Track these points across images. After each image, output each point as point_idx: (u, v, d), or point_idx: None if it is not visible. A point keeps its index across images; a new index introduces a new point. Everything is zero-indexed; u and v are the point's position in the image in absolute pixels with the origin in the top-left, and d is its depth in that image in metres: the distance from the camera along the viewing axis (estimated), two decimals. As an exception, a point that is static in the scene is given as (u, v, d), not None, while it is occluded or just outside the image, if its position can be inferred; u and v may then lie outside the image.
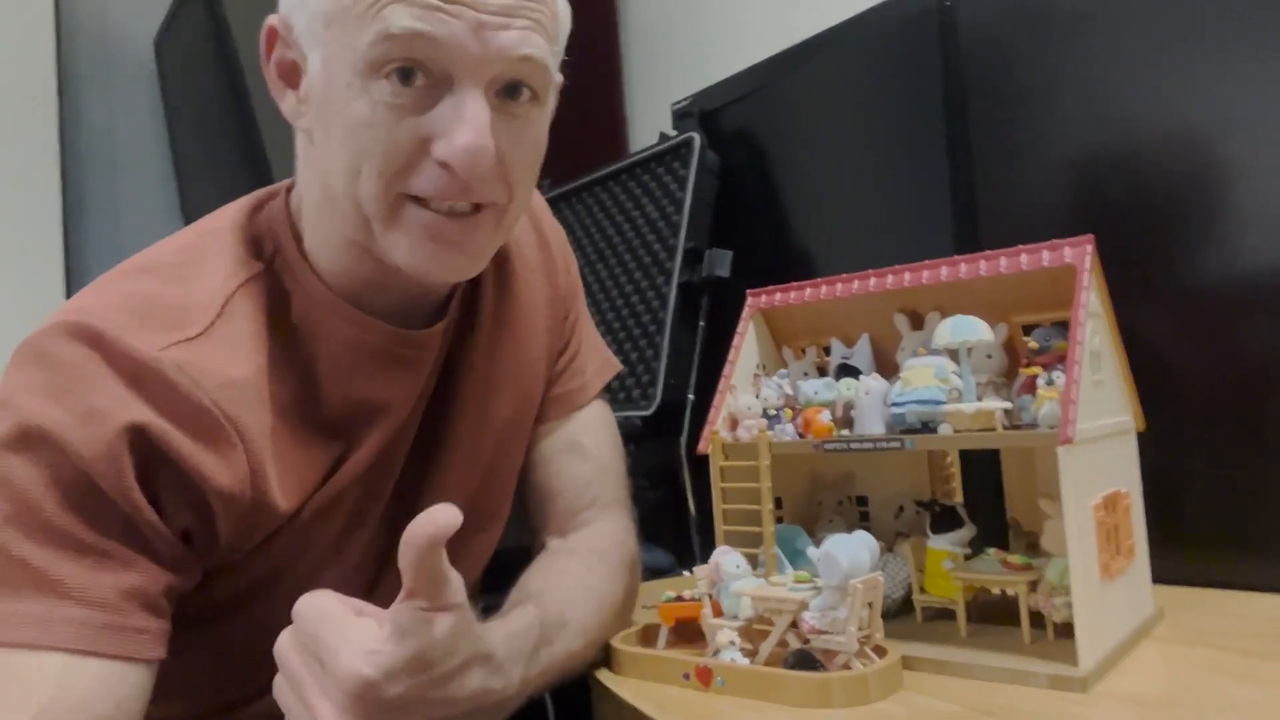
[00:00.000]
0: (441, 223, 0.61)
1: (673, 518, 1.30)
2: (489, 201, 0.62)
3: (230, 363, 0.61)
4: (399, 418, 0.70)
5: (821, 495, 0.86)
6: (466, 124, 0.57)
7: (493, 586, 0.78)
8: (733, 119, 1.34)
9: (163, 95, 2.28)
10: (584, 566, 0.74)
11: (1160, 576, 0.73)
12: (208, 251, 0.66)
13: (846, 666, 0.61)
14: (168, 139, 2.26)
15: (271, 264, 0.67)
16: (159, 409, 0.57)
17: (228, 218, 0.69)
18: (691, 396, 1.27)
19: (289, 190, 0.71)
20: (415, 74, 0.57)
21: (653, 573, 1.16)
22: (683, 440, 1.28)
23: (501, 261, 0.77)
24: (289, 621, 0.70)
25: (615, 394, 1.33)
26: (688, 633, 0.72)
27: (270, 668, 0.72)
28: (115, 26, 2.22)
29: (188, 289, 0.63)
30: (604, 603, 0.72)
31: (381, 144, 0.58)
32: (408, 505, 0.73)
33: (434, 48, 0.57)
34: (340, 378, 0.67)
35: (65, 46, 2.07)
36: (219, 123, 1.83)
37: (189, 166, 2.20)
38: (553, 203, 1.58)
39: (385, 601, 0.74)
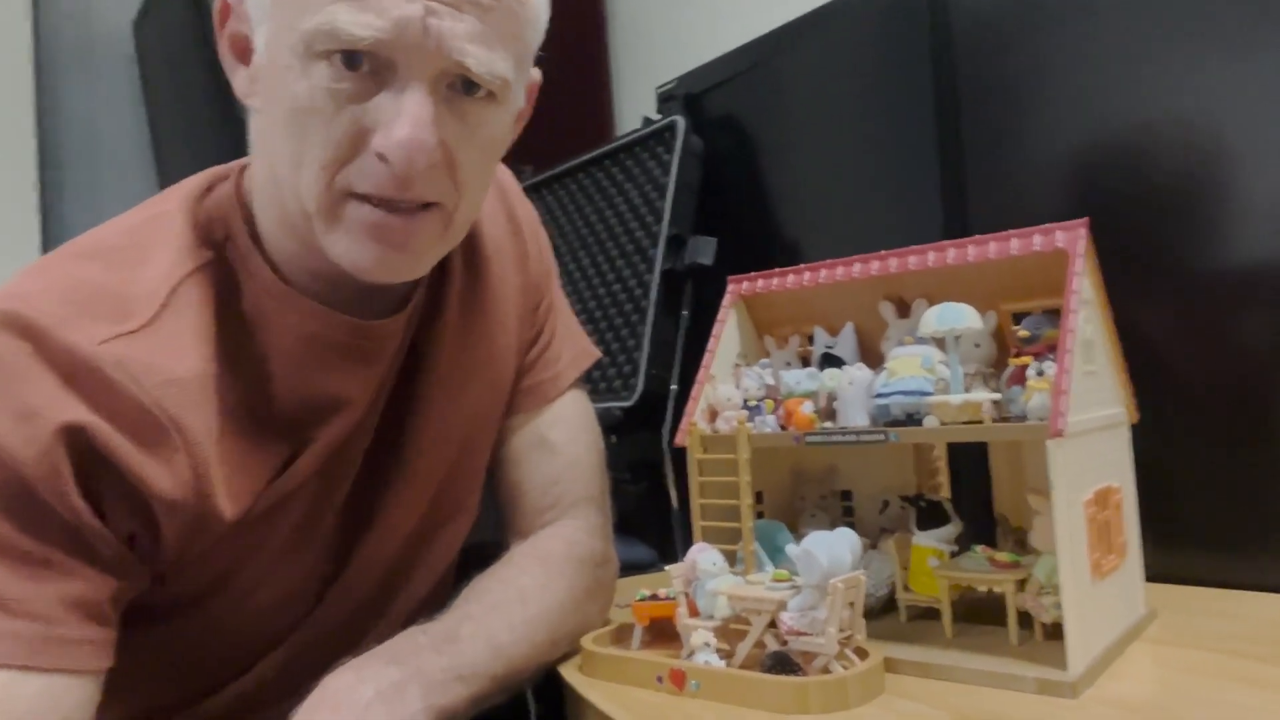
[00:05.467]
0: (384, 219, 0.57)
1: (655, 511, 1.27)
2: (434, 200, 0.59)
3: (174, 358, 0.58)
4: (356, 413, 0.66)
5: (804, 490, 0.84)
6: (405, 116, 0.54)
7: (465, 580, 0.75)
8: (718, 103, 1.31)
9: (142, 80, 2.23)
10: (517, 571, 0.71)
11: (1153, 575, 0.71)
12: (155, 237, 0.62)
13: (826, 670, 0.59)
14: (148, 125, 2.22)
15: (222, 251, 0.63)
16: (96, 408, 0.54)
17: (177, 200, 0.65)
18: (674, 387, 1.25)
19: (242, 171, 0.67)
20: (359, 59, 0.54)
21: (634, 568, 1.13)
22: (665, 432, 1.25)
23: (471, 246, 0.74)
24: (241, 621, 0.67)
25: (596, 384, 1.30)
26: (664, 632, 0.69)
27: (221, 667, 0.69)
28: (94, 8, 2.18)
29: (132, 277, 0.59)
30: (539, 607, 0.68)
31: (321, 133, 0.55)
32: (367, 503, 0.70)
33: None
34: (293, 373, 0.63)
35: (43, 30, 2.02)
36: (200, 107, 1.79)
37: (170, 153, 2.15)
38: (534, 189, 1.54)
39: (340, 599, 0.71)
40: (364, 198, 0.57)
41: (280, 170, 0.59)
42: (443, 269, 0.72)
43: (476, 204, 0.64)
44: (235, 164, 0.69)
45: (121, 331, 0.56)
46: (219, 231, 0.64)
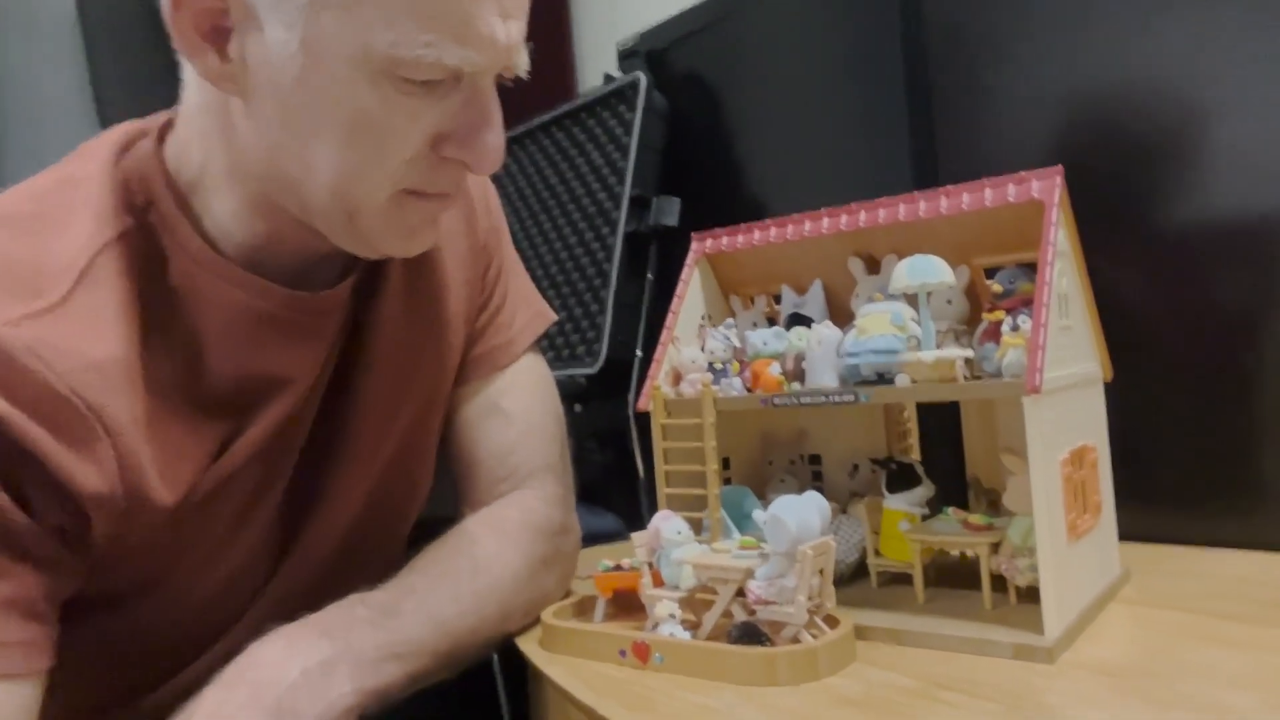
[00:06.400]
0: (435, 207, 0.59)
1: (622, 480, 1.25)
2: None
3: (93, 338, 0.53)
4: (298, 391, 0.62)
5: (772, 454, 0.81)
6: (493, 126, 0.55)
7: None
8: (681, 58, 1.27)
9: (84, 39, 2.14)
10: (469, 540, 0.68)
11: (1124, 533, 0.69)
12: (68, 202, 0.57)
13: (795, 639, 0.56)
14: (90, 85, 2.12)
15: (144, 217, 0.58)
16: (10, 398, 0.50)
17: (92, 160, 0.59)
18: (640, 353, 1.21)
19: (164, 128, 0.62)
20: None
21: (601, 537, 1.11)
22: (631, 399, 1.22)
23: None
24: (184, 610, 0.64)
25: (559, 351, 1.27)
26: (628, 604, 0.66)
27: (164, 658, 0.65)
28: (35, -32, 2.08)
29: (43, 247, 0.54)
30: (490, 578, 0.65)
31: (394, 148, 0.54)
32: (312, 484, 0.66)
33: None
34: (228, 350, 0.59)
35: (-19, -9, 1.93)
36: (145, 67, 1.71)
37: (114, 114, 2.06)
38: (493, 151, 1.49)
39: (286, 583, 0.68)
40: (421, 193, 0.57)
41: (311, 175, 0.55)
42: None
43: None
44: (153, 119, 0.63)
45: (32, 311, 0.52)
46: (139, 195, 0.58)
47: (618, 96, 1.28)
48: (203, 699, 0.52)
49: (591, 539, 1.09)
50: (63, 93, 2.10)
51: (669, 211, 1.20)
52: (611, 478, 1.25)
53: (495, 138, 0.55)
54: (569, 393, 1.19)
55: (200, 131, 0.59)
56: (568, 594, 0.73)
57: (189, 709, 0.52)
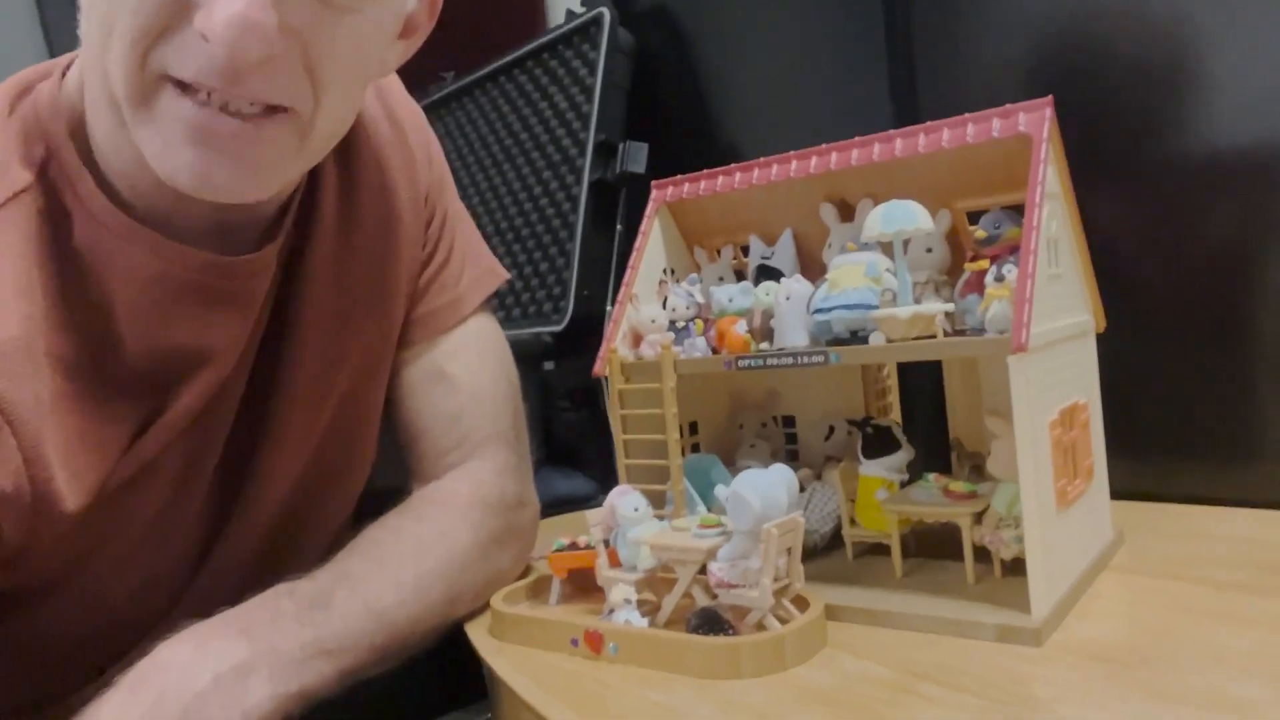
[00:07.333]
0: (208, 118, 0.46)
1: (595, 441, 1.20)
2: (280, 104, 0.47)
3: None
4: (224, 365, 0.57)
5: (743, 417, 0.76)
6: None
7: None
8: (648, -8, 1.19)
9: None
10: (412, 519, 0.62)
11: (1115, 491, 0.64)
12: None
13: (761, 625, 0.52)
14: (40, 25, 2.02)
15: (44, 173, 0.51)
16: None
17: None
18: (610, 308, 1.15)
19: (65, 72, 0.55)
20: None
21: (574, 501, 1.07)
22: (602, 357, 1.17)
23: (346, 155, 0.63)
24: (107, 606, 0.58)
25: (525, 308, 1.21)
26: (589, 583, 0.62)
27: (86, 657, 0.60)
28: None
29: None
30: (436, 559, 0.60)
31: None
32: (241, 466, 0.61)
33: None
34: (141, 322, 0.53)
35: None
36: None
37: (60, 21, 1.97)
38: (450, 99, 1.41)
39: (217, 573, 0.63)
40: (185, 87, 0.46)
41: (90, 49, 0.47)
42: (314, 184, 0.61)
43: (342, 114, 0.53)
44: (57, 61, 0.56)
45: None
46: (39, 146, 0.52)
47: (581, 34, 1.20)
48: (103, 704, 0.47)
49: (564, 502, 1.04)
50: (10, 32, 2.00)
51: (637, 158, 1.12)
52: (584, 438, 1.20)
53: (235, 6, 0.43)
54: (536, 352, 1.13)
55: (84, 59, 0.52)
56: (526, 572, 0.69)
57: (88, 713, 0.47)
